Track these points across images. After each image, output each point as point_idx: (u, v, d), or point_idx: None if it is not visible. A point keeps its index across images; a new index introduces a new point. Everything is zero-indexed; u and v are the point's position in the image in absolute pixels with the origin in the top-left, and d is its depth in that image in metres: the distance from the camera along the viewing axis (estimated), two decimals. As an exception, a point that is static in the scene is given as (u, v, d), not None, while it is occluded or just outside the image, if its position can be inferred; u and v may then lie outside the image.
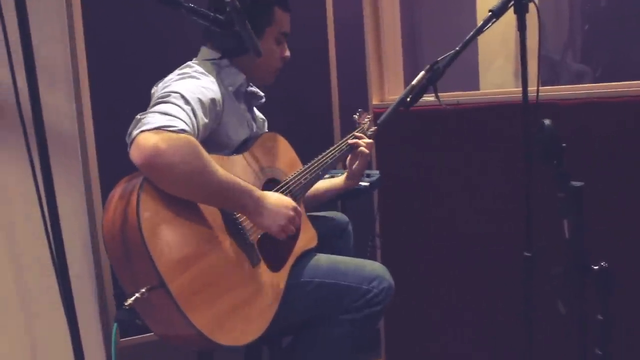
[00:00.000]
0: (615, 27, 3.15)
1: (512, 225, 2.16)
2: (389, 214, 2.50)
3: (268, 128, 1.93)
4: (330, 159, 1.86)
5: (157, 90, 1.52)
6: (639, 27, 2.99)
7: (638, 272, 1.99)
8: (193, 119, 1.36)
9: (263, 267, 1.53)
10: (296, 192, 1.72)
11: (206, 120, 1.43)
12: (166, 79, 1.55)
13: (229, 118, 1.59)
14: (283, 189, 1.68)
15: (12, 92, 1.17)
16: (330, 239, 1.91)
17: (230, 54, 1.66)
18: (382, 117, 1.55)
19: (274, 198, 1.53)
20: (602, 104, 2.02)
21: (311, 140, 1.99)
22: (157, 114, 1.30)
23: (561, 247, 1.36)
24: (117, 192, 1.32)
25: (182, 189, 1.32)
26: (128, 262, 1.27)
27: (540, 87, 1.53)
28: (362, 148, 1.90)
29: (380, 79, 2.56)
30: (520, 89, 1.50)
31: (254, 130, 1.78)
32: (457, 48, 1.48)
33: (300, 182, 1.74)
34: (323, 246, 1.80)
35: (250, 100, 1.81)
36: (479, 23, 1.48)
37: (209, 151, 1.36)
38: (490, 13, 1.48)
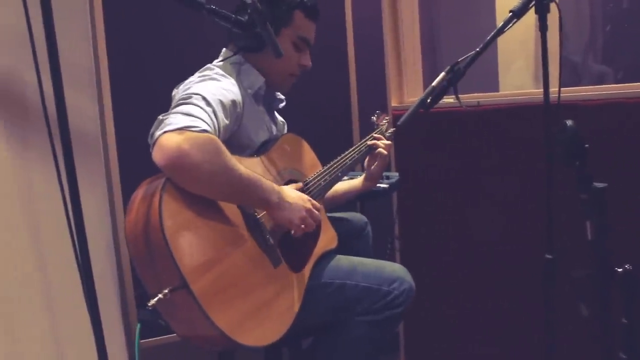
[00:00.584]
0: (638, 28, 3.12)
1: (532, 227, 2.14)
2: (408, 215, 2.49)
3: (288, 130, 1.93)
4: (350, 161, 1.86)
5: (178, 92, 1.54)
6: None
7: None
8: (214, 120, 1.37)
9: (284, 268, 1.53)
10: (316, 193, 1.72)
11: (227, 122, 1.44)
12: (187, 81, 1.56)
13: (248, 120, 1.59)
14: (303, 190, 1.68)
15: (38, 93, 1.18)
16: (350, 240, 1.91)
17: (247, 50, 1.66)
18: (403, 119, 1.55)
19: (293, 193, 1.55)
20: (623, 105, 2.00)
21: (330, 142, 1.99)
22: (179, 114, 1.31)
23: (583, 250, 1.34)
24: (139, 193, 1.33)
25: (205, 188, 1.33)
26: (151, 262, 1.28)
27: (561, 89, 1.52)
28: (380, 149, 1.90)
29: (399, 81, 2.56)
30: (541, 90, 1.50)
31: (274, 132, 1.78)
32: (478, 49, 1.48)
33: (320, 184, 1.75)
34: (342, 247, 1.80)
35: (270, 102, 1.81)
36: (498, 23, 1.48)
37: (230, 153, 1.37)
38: (511, 13, 1.47)
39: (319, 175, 1.77)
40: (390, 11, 2.50)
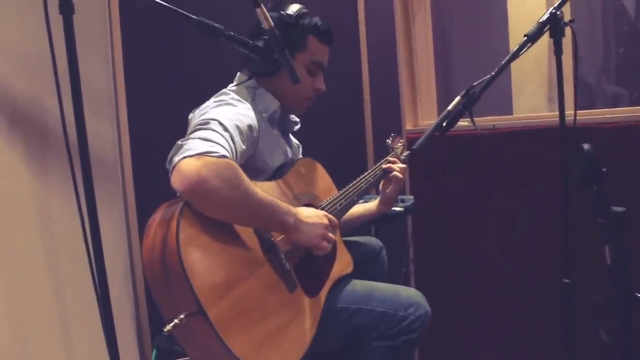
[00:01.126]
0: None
1: (549, 250, 2.12)
2: (423, 238, 2.48)
3: (302, 153, 1.94)
4: (365, 184, 1.86)
5: (195, 116, 1.55)
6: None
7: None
8: (232, 145, 1.38)
9: (300, 293, 1.53)
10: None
11: (244, 147, 1.45)
12: (203, 105, 1.57)
13: (264, 144, 1.60)
14: (318, 214, 1.67)
15: (57, 118, 1.20)
16: (365, 264, 1.90)
17: (262, 75, 1.67)
18: (419, 142, 1.55)
19: (307, 211, 1.56)
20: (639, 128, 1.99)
21: (345, 165, 2.00)
22: (198, 140, 1.32)
23: (601, 274, 1.33)
24: (156, 218, 1.33)
25: (224, 213, 1.34)
26: (167, 287, 1.28)
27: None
28: (395, 173, 1.89)
29: (413, 104, 2.57)
30: (556, 112, 1.49)
31: (289, 156, 1.79)
32: (493, 73, 1.48)
33: (336, 208, 1.74)
34: (357, 271, 1.78)
35: (285, 125, 1.82)
36: (511, 46, 1.48)
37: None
38: (525, 38, 1.47)
39: (334, 199, 1.76)
40: (404, 35, 2.52)
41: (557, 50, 1.46)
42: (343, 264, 1.74)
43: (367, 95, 2.69)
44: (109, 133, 1.79)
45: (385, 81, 2.67)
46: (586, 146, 1.34)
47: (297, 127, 1.86)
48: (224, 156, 1.31)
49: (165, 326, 1.22)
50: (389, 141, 2.08)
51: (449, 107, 1.50)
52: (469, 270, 2.38)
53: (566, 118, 1.48)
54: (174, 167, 1.28)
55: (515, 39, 1.50)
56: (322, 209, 1.71)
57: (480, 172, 2.33)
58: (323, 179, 1.86)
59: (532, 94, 3.09)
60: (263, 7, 1.29)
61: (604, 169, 1.33)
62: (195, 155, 1.27)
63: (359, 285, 1.70)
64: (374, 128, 2.71)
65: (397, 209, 2.07)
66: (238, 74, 1.74)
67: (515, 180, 2.25)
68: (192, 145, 1.30)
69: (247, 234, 1.42)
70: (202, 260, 1.28)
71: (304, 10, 1.69)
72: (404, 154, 2.03)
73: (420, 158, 2.31)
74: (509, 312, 2.30)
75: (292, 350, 1.42)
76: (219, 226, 1.34)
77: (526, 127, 2.23)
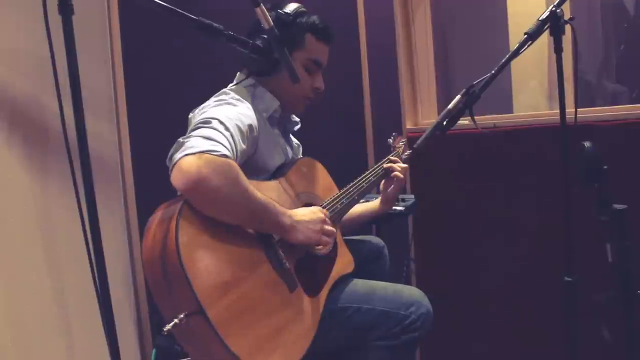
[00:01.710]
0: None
1: (550, 249, 2.12)
2: (424, 238, 2.48)
3: (303, 153, 1.94)
4: (366, 184, 1.85)
5: (195, 116, 1.54)
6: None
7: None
8: (233, 144, 1.38)
9: (301, 293, 1.52)
10: (332, 216, 1.71)
11: (244, 147, 1.45)
12: (203, 105, 1.57)
13: (264, 143, 1.60)
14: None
15: (57, 119, 1.20)
16: (366, 263, 1.90)
17: (261, 74, 1.67)
18: (419, 142, 1.55)
19: (302, 210, 1.56)
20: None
21: (346, 165, 1.99)
22: (199, 138, 1.32)
23: (603, 272, 1.33)
24: (156, 218, 1.33)
25: (223, 212, 1.34)
26: (167, 287, 1.27)
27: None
28: (396, 172, 1.89)
29: (413, 103, 2.57)
30: (557, 111, 1.49)
31: (289, 155, 1.79)
32: (493, 71, 1.48)
33: (337, 207, 1.74)
34: (358, 270, 1.78)
35: (285, 125, 1.82)
36: (511, 44, 1.48)
37: (246, 176, 1.37)
38: (525, 36, 1.47)
39: (335, 199, 1.76)
40: (404, 35, 2.52)
41: (557, 49, 1.47)
42: (344, 263, 1.74)
43: (367, 95, 2.69)
44: (109, 133, 1.79)
45: (385, 81, 2.67)
46: (587, 144, 1.34)
47: (298, 127, 1.86)
48: (225, 155, 1.31)
49: (165, 326, 1.22)
50: (390, 140, 2.08)
51: (450, 106, 1.50)
52: (470, 269, 2.38)
53: (567, 116, 1.48)
54: (174, 165, 1.28)
55: (515, 37, 1.50)
56: (323, 207, 1.70)
57: (481, 171, 2.33)
58: (324, 178, 1.86)
59: (532, 92, 3.09)
60: (263, 6, 1.28)
61: (605, 167, 1.33)
62: (196, 153, 1.27)
63: (359, 284, 1.70)
64: (374, 127, 2.70)
65: (399, 208, 2.07)
66: (237, 73, 1.74)
67: (516, 178, 2.25)
68: (194, 143, 1.30)
69: (247, 233, 1.42)
70: (201, 260, 1.27)
71: (302, 9, 1.69)
72: (405, 153, 2.03)
73: (421, 157, 2.31)
74: (510, 311, 2.30)
75: (293, 350, 1.42)
76: (218, 226, 1.34)
77: (527, 125, 2.23)
